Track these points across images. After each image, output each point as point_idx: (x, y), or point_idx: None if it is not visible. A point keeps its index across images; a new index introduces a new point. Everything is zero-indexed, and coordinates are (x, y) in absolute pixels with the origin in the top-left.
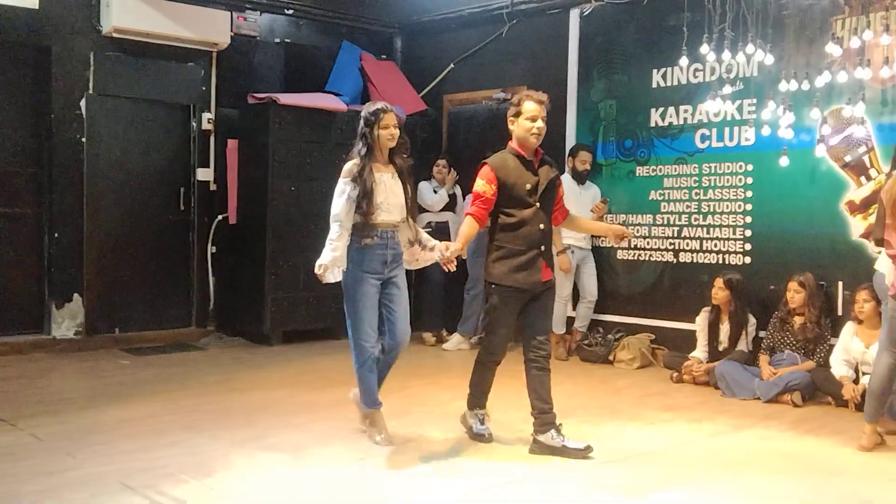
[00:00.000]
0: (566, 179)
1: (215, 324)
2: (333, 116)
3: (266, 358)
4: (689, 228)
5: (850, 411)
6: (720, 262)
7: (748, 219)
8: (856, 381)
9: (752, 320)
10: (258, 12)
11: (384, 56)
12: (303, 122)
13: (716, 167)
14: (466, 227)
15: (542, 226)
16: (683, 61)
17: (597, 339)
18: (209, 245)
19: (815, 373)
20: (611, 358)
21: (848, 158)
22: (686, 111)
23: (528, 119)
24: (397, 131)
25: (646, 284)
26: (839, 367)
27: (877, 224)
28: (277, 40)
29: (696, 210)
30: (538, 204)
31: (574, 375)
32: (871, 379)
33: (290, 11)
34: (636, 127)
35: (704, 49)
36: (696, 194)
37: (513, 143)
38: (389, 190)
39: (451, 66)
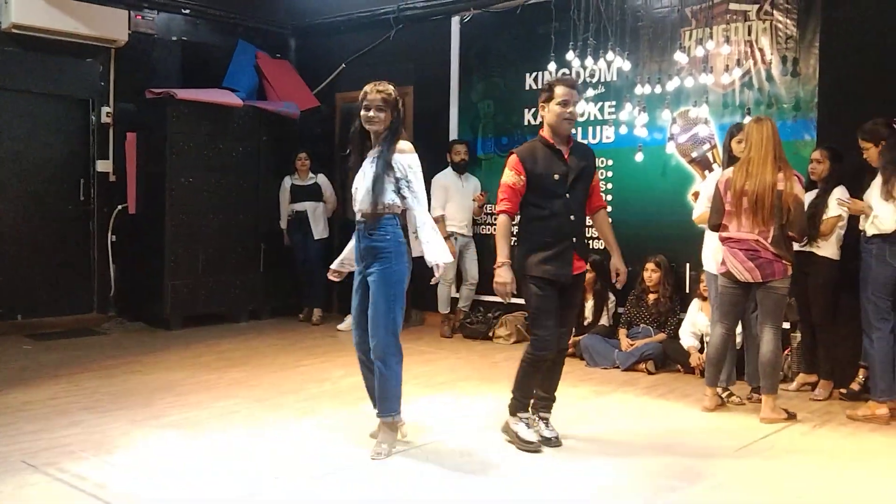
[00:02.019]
0: (448, 172)
1: (116, 309)
2: (230, 111)
3: (166, 341)
4: None
5: (696, 377)
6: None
7: (609, 208)
8: (701, 351)
9: (612, 297)
10: (156, 11)
11: (279, 55)
12: (200, 117)
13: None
14: (502, 228)
15: (572, 217)
16: (552, 66)
17: (478, 318)
18: (109, 234)
19: (667, 344)
20: (490, 335)
21: (694, 154)
22: None
23: (559, 104)
24: (374, 114)
25: None
26: (687, 338)
27: (714, 212)
28: (175, 38)
29: None
30: (568, 195)
31: (458, 351)
32: (709, 348)
33: (187, 11)
34: (511, 125)
35: (570, 55)
36: None
37: (543, 131)
38: (363, 177)
39: (343, 66)
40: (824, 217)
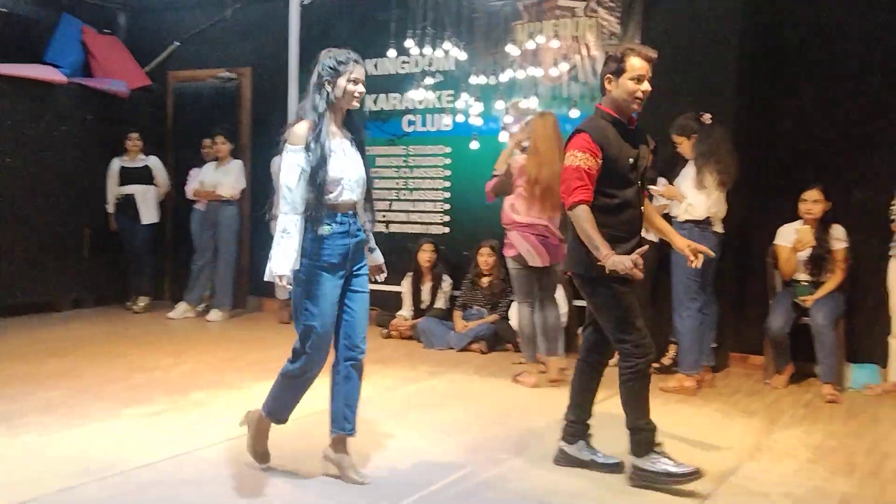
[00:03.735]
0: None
1: None
2: (52, 88)
3: None
4: (398, 202)
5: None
6: (424, 232)
7: (447, 194)
8: None
9: (448, 280)
10: None
11: (107, 31)
12: (19, 94)
13: (420, 149)
14: (590, 218)
15: (641, 208)
16: (391, 53)
17: None
18: None
19: (498, 324)
20: None
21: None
22: (395, 98)
23: (632, 79)
24: (364, 90)
25: None
26: (516, 319)
27: (500, 187)
28: None
29: (404, 186)
30: (639, 182)
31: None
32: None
33: None
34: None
35: (409, 43)
36: (404, 172)
37: (605, 106)
38: (350, 161)
39: (176, 43)
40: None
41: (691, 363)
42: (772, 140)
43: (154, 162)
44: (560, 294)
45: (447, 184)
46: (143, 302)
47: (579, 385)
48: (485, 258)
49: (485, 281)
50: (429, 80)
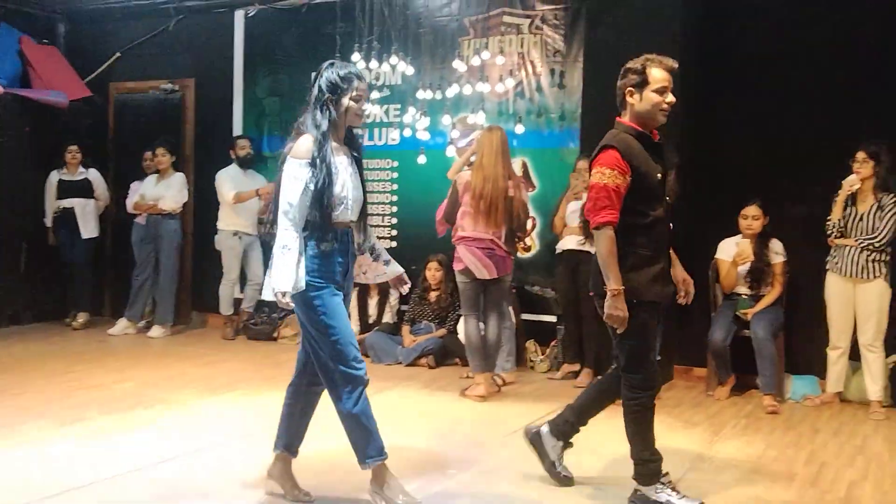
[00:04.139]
0: (232, 168)
1: None
2: None
3: None
4: None
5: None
6: None
7: (394, 208)
8: None
9: (396, 294)
10: None
11: (46, 41)
12: None
13: (367, 163)
14: (611, 245)
15: (671, 225)
16: None
17: (262, 319)
18: None
19: (447, 339)
20: (275, 335)
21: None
22: None
23: (656, 91)
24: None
25: None
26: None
27: (450, 208)
28: None
29: None
30: (668, 197)
31: (240, 353)
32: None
33: None
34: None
35: (355, 57)
36: None
37: (627, 120)
38: (351, 180)
39: (118, 54)
40: None
41: None
42: (713, 157)
43: (94, 175)
44: (508, 307)
45: (394, 198)
46: (82, 318)
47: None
48: (433, 272)
49: (433, 295)
50: (375, 95)
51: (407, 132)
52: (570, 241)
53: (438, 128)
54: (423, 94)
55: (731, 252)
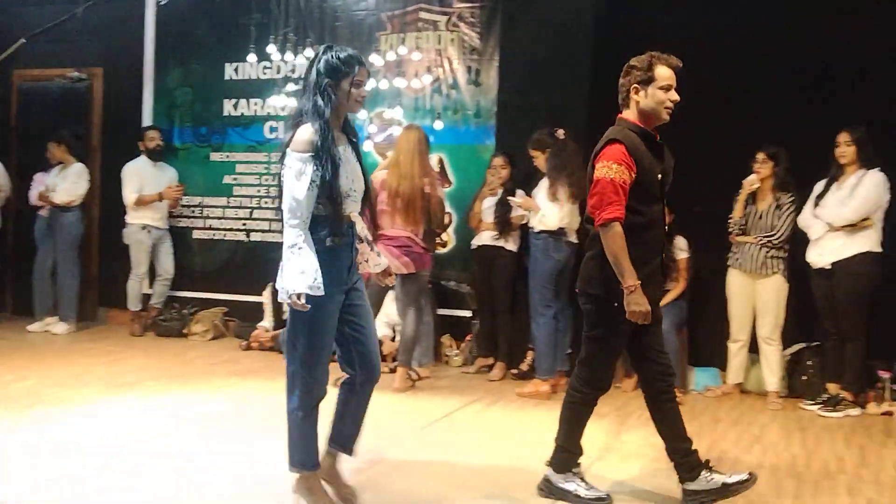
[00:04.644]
0: (141, 160)
1: None
2: None
3: None
4: (260, 210)
5: (389, 363)
6: None
7: None
8: (393, 339)
9: None
10: None
11: None
12: None
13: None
14: (621, 241)
15: (665, 227)
16: (252, 58)
17: (172, 315)
18: None
19: None
20: (185, 331)
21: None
22: (256, 104)
23: (662, 88)
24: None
25: (220, 262)
26: (380, 328)
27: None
28: None
29: (266, 194)
30: (665, 199)
31: (148, 349)
32: (403, 333)
33: None
34: (211, 115)
35: (271, 49)
36: (266, 180)
37: (630, 117)
38: (354, 170)
39: (23, 40)
40: (512, 215)
41: (546, 368)
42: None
43: None
44: (427, 303)
45: None
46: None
47: (663, 420)
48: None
49: None
50: (291, 87)
51: None
52: (485, 237)
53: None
54: None
55: None
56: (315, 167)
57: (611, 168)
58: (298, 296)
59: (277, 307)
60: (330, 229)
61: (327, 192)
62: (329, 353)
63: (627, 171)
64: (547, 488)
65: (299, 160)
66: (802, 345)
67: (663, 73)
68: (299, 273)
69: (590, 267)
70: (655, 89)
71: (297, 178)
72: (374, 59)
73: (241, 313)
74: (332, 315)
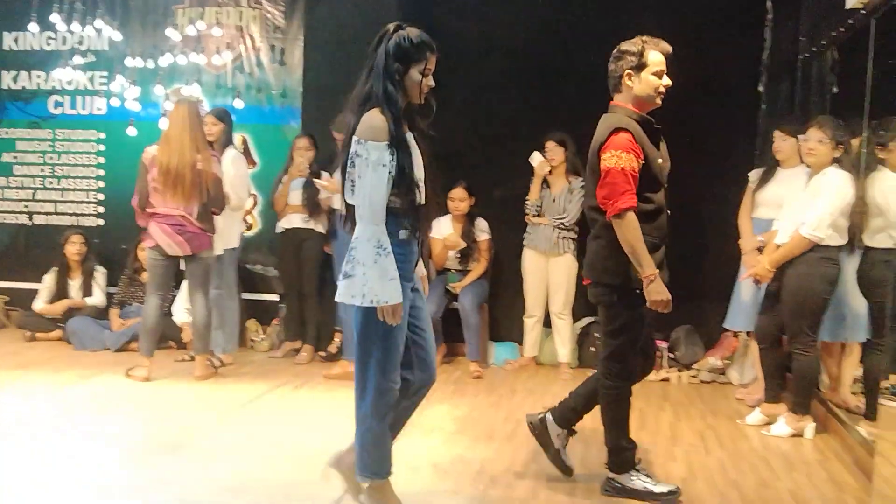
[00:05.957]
0: None
1: None
2: None
3: None
4: (44, 191)
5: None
6: (75, 223)
7: (101, 183)
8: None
9: (103, 270)
10: None
11: None
12: None
13: (69, 133)
14: (637, 230)
15: (669, 212)
16: (33, 27)
17: None
18: None
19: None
20: None
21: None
22: (39, 77)
23: (655, 74)
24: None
25: (1, 246)
26: (180, 314)
27: (140, 192)
28: None
29: (51, 174)
30: (666, 184)
31: (42, 356)
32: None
33: None
34: None
35: (55, 18)
36: (51, 158)
37: (626, 103)
38: (419, 158)
39: None
40: (320, 197)
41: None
42: (425, 140)
43: None
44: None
45: (101, 172)
46: None
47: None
48: (145, 252)
49: (145, 276)
50: (78, 60)
51: (115, 102)
52: (294, 220)
53: (151, 98)
54: (133, 63)
55: (443, 231)
56: (392, 157)
57: (620, 157)
58: (394, 309)
59: (63, 293)
60: (405, 222)
61: (404, 183)
62: (402, 354)
63: (636, 159)
64: (614, 489)
65: (376, 149)
66: (591, 319)
67: (655, 59)
68: (388, 280)
69: (602, 256)
70: (648, 75)
71: (376, 169)
72: (171, 34)
73: (24, 302)
74: (404, 314)
